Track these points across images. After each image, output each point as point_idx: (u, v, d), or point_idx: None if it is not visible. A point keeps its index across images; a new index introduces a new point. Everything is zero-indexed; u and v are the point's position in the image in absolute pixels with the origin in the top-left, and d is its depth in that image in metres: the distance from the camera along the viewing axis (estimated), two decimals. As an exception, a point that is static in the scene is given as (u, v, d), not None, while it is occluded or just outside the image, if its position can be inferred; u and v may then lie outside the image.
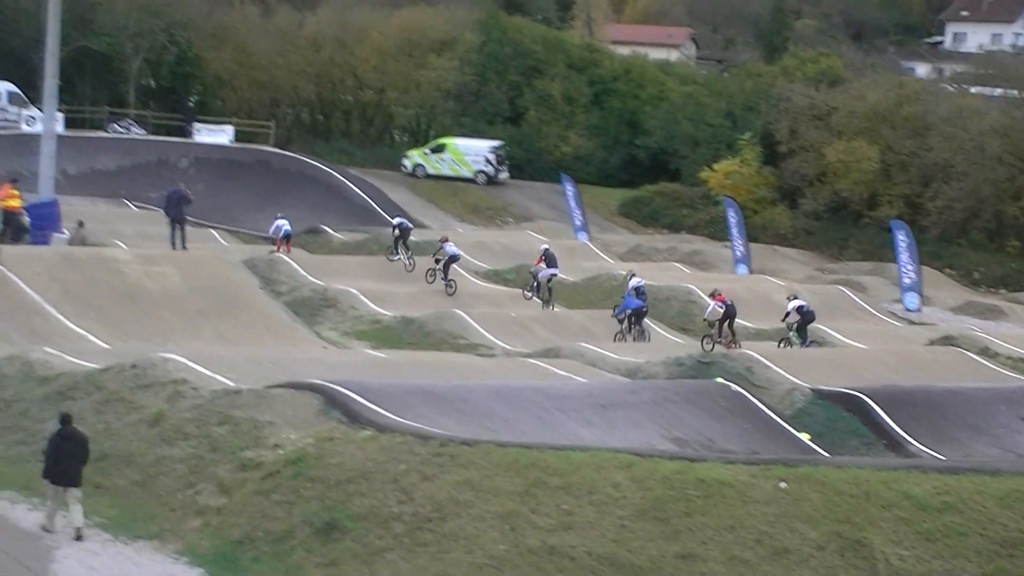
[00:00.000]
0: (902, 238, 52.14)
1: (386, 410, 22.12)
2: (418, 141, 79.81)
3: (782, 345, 38.14)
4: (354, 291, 42.15)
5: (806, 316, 38.47)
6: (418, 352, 35.16)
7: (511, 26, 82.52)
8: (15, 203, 43.46)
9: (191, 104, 78.85)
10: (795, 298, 39.54)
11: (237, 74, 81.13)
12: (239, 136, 75.83)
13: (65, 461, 19.72)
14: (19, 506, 20.69)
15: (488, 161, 73.30)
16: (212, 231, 51.52)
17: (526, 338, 38.28)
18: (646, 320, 40.15)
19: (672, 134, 76.25)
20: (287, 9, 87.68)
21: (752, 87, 75.86)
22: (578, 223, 64.35)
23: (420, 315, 39.58)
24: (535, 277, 44.10)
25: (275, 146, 76.02)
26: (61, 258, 37.95)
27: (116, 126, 75.05)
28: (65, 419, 20.26)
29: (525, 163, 76.56)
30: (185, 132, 75.52)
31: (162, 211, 45.79)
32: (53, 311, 34.34)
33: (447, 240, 45.42)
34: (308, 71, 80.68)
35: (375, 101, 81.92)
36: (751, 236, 59.61)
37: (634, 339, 39.38)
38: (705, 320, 37.49)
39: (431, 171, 73.46)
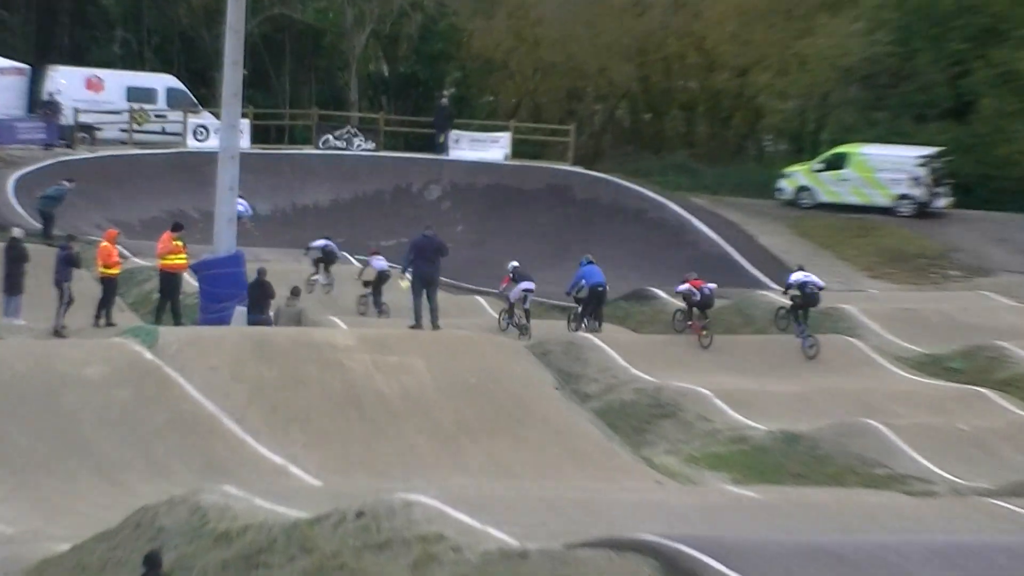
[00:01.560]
0: None
1: (760, 582, 21.95)
2: (802, 150, 79.87)
3: (781, 324, 47.99)
4: (704, 391, 42.15)
5: (808, 297, 46.74)
6: (809, 488, 34.94)
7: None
8: (180, 261, 44.30)
9: (445, 102, 79.99)
10: (800, 269, 48.30)
11: (516, 54, 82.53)
12: (518, 149, 76.69)
13: None
14: None
15: (917, 180, 72.70)
16: (477, 297, 52.28)
17: (987, 464, 37.78)
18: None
19: None
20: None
21: None
22: (1069, 278, 63.38)
23: (811, 428, 39.32)
24: (506, 299, 48.98)
25: (575, 163, 76.73)
26: (252, 345, 38.86)
27: (331, 138, 76.68)
28: (151, 561, 21.18)
29: (978, 182, 75.64)
30: (436, 145, 76.73)
31: (402, 269, 46.47)
32: (236, 428, 35.25)
33: (376, 253, 51.48)
34: (627, 45, 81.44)
35: (734, 89, 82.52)
36: None
37: (587, 328, 47.93)
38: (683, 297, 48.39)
39: (824, 197, 73.41)
